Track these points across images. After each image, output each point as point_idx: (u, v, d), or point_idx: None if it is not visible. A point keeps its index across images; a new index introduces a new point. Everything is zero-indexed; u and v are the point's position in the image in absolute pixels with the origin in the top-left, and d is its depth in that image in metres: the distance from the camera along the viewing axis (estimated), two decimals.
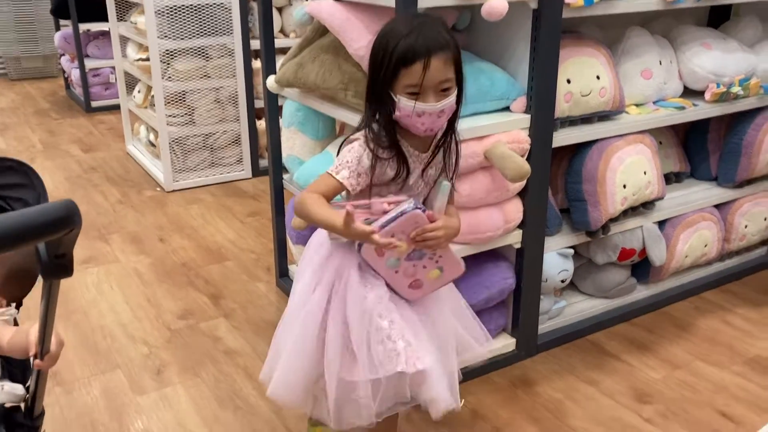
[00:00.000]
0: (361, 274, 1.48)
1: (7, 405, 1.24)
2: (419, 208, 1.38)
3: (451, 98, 1.39)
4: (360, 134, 1.47)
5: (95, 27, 5.38)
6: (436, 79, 1.35)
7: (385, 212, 1.41)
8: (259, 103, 3.91)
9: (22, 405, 1.25)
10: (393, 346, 1.40)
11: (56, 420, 1.96)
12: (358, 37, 1.93)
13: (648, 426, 1.92)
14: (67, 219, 0.69)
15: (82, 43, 5.32)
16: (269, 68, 2.41)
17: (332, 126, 2.40)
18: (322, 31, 2.28)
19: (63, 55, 5.83)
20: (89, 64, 5.37)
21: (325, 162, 2.20)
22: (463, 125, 1.87)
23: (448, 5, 1.79)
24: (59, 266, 0.75)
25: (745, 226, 2.64)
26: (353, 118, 2.01)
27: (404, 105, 1.37)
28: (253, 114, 3.88)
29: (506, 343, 2.18)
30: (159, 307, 2.55)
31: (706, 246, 2.53)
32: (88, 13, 5.14)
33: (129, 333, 2.39)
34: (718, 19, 2.75)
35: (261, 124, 3.95)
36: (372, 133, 1.44)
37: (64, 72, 5.92)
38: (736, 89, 2.38)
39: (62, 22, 5.78)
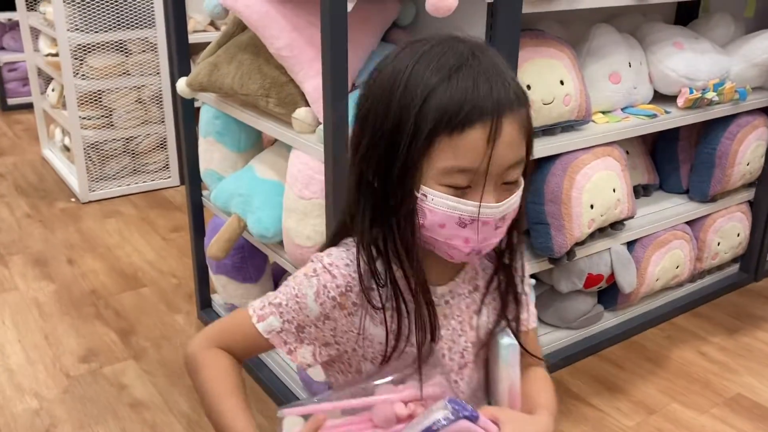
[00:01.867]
0: None
1: None
2: (466, 413, 0.75)
3: (518, 195, 0.80)
4: (336, 251, 0.85)
5: (14, 16, 4.89)
6: (505, 161, 0.76)
7: (401, 422, 0.79)
8: None
9: None
10: None
11: None
12: (280, 34, 1.61)
13: None
14: None
15: None
16: (181, 68, 2.06)
17: (257, 136, 2.07)
18: (243, 25, 1.95)
19: None
20: (4, 57, 4.89)
21: (247, 179, 1.88)
22: None
23: None
24: None
25: (718, 244, 2.41)
26: (278, 130, 1.69)
27: (439, 206, 0.77)
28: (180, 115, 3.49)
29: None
30: (58, 347, 2.18)
31: (678, 267, 2.29)
32: (2, 1, 4.67)
33: (17, 382, 2.01)
34: (686, 15, 2.51)
35: None
36: (365, 254, 0.82)
37: None
38: (710, 95, 2.14)
39: None
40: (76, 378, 2.04)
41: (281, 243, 1.79)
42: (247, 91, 1.73)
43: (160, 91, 3.41)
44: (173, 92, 3.38)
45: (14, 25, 5.00)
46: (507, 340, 0.88)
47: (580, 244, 1.95)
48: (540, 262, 1.95)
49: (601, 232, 2.02)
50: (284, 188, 1.81)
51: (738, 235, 2.46)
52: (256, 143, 2.06)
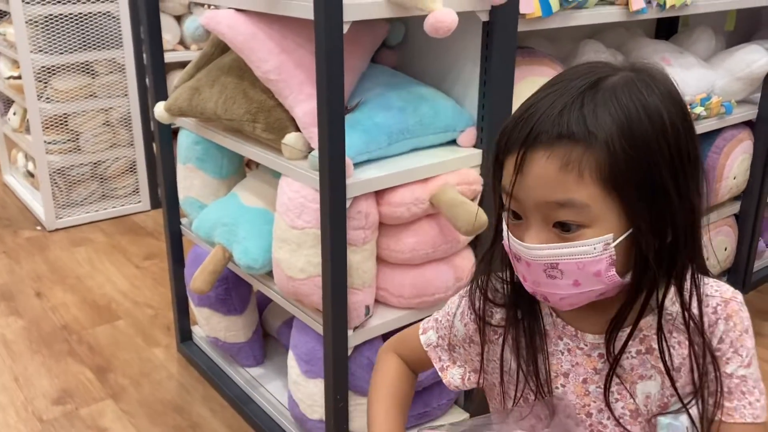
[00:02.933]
0: None
1: None
2: None
3: (583, 246, 0.70)
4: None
5: None
6: (537, 195, 0.70)
7: None
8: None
9: None
10: None
11: None
12: (268, 57, 1.53)
13: None
14: None
15: None
16: (159, 91, 1.97)
17: (240, 162, 1.99)
18: (223, 46, 1.87)
19: None
20: None
21: (232, 208, 1.79)
22: (403, 166, 1.51)
23: (377, 17, 1.42)
24: None
25: (707, 258, 2.39)
26: (266, 156, 1.61)
27: (504, 231, 0.76)
28: (150, 137, 3.38)
29: (458, 420, 1.82)
30: (29, 389, 2.05)
31: None
32: None
33: None
34: (666, 29, 2.51)
35: None
36: (482, 267, 0.83)
37: None
38: (698, 109, 2.12)
39: None
40: (50, 422, 1.91)
41: (269, 273, 1.71)
42: (231, 116, 1.65)
43: (129, 113, 3.29)
44: (142, 114, 3.29)
45: None
46: (665, 420, 0.76)
47: None
48: None
49: None
50: (272, 216, 1.73)
51: (725, 249, 2.45)
52: (239, 169, 1.98)
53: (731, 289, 0.80)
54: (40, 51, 3.01)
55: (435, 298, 1.62)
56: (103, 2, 3.09)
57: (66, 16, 3.01)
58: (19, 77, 3.10)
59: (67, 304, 2.54)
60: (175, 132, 2.01)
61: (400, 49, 1.75)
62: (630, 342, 0.76)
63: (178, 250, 2.13)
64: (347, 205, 1.42)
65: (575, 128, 0.68)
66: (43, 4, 2.95)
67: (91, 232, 3.19)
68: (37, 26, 2.98)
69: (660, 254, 0.72)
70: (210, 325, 2.02)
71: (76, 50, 3.08)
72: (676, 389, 0.76)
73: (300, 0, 1.36)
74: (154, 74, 1.96)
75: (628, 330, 0.76)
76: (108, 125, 3.28)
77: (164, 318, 2.42)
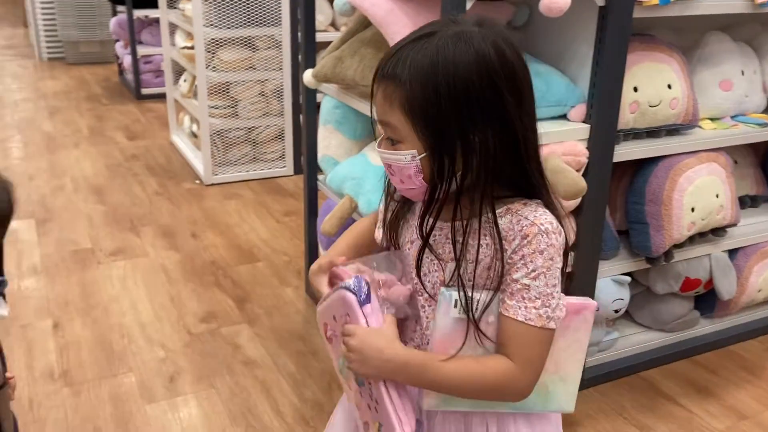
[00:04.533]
0: None
1: None
2: (354, 290, 0.93)
3: (398, 155, 0.91)
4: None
5: (149, 13, 5.34)
6: (378, 117, 0.94)
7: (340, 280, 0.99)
8: None
9: None
10: None
11: (59, 423, 1.84)
12: (402, 31, 1.74)
13: None
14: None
15: (137, 29, 5.29)
16: (308, 62, 2.25)
17: (371, 126, 2.22)
18: (365, 22, 2.11)
19: (118, 40, 5.82)
20: (141, 50, 5.33)
21: (360, 164, 2.04)
22: None
23: None
24: None
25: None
26: None
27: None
28: (299, 109, 3.73)
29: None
30: (182, 308, 2.43)
31: None
32: (143, 0, 5.10)
33: (147, 334, 2.26)
34: None
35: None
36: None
37: (117, 58, 5.92)
38: None
39: (119, 7, 5.77)
40: (197, 335, 2.27)
41: None
42: (367, 83, 1.89)
43: (282, 85, 3.65)
44: (293, 87, 3.64)
45: (151, 22, 5.45)
46: (448, 292, 0.94)
47: (679, 246, 1.98)
48: (637, 261, 2.00)
49: (701, 237, 2.04)
50: None
51: None
52: (370, 132, 2.22)
53: (549, 221, 0.92)
54: (211, 25, 3.42)
55: None
56: None
57: None
58: (192, 47, 3.54)
59: (217, 245, 2.92)
60: (319, 103, 2.29)
61: (524, 30, 1.91)
62: (441, 231, 0.96)
63: (314, 204, 2.41)
64: None
65: (392, 70, 0.90)
66: None
67: (241, 188, 3.59)
68: (210, 3, 3.39)
69: (451, 174, 0.89)
70: None
71: (240, 26, 3.47)
72: (460, 275, 0.93)
73: None
74: (306, 48, 2.25)
75: (448, 223, 0.95)
76: (262, 95, 3.66)
77: (296, 265, 2.73)
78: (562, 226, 0.94)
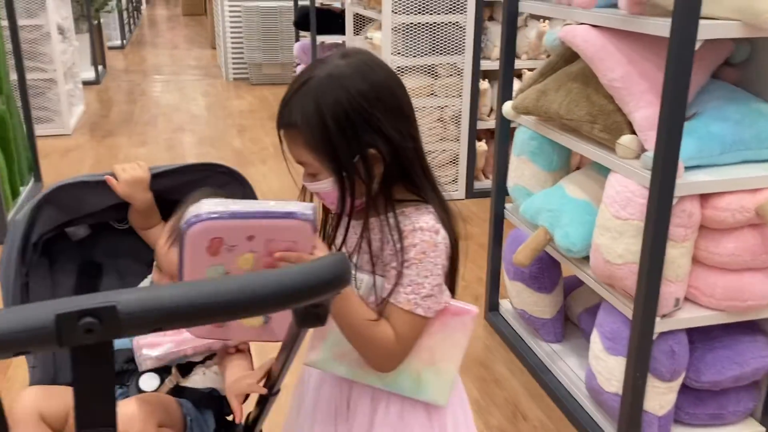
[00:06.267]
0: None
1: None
2: (312, 221, 0.91)
3: (321, 184, 1.05)
4: None
5: (330, 39, 5.65)
6: (294, 158, 1.06)
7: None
8: (481, 125, 3.83)
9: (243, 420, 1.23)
10: None
11: None
12: (614, 67, 1.75)
13: None
14: (342, 278, 0.62)
15: (318, 53, 5.62)
16: (505, 93, 2.30)
17: (567, 158, 2.23)
18: (567, 57, 2.13)
19: (299, 64, 6.21)
20: None
21: (557, 197, 2.05)
22: (732, 174, 1.63)
23: (727, 37, 1.56)
24: (313, 316, 0.68)
25: None
26: (598, 154, 1.84)
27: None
28: (474, 135, 3.80)
29: (752, 431, 1.86)
30: None
31: None
32: (326, 27, 5.42)
33: None
34: None
35: (480, 145, 3.87)
36: None
37: None
38: None
39: (302, 33, 6.16)
40: None
41: (584, 258, 1.93)
42: (572, 117, 1.90)
43: (460, 111, 3.73)
44: (471, 113, 3.71)
45: (331, 47, 5.77)
46: (359, 274, 1.08)
47: None
48: None
49: None
50: (593, 208, 1.95)
51: None
52: (565, 164, 2.22)
53: (425, 221, 1.05)
54: (398, 53, 3.58)
55: (747, 305, 1.70)
56: (453, 14, 3.56)
57: (422, 25, 3.54)
58: None
59: None
60: (512, 130, 2.33)
61: (743, 67, 1.84)
62: (357, 228, 1.08)
63: (499, 231, 2.45)
64: (673, 203, 1.58)
65: (288, 119, 1.02)
66: (407, 14, 3.51)
67: None
68: (398, 32, 3.54)
69: (353, 187, 1.03)
70: (520, 298, 2.30)
71: (425, 54, 3.59)
72: (372, 262, 1.07)
73: (656, 19, 1.56)
74: (504, 78, 2.30)
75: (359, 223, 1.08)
76: (440, 121, 3.76)
77: (473, 290, 2.78)
78: (447, 229, 1.08)
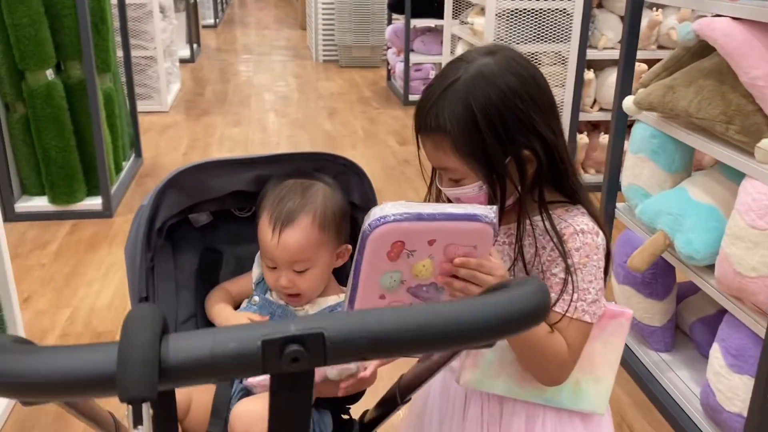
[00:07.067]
0: None
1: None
2: (495, 224, 0.85)
3: (467, 189, 1.00)
4: None
5: (423, 23, 5.57)
6: (435, 165, 1.03)
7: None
8: (584, 116, 3.68)
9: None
10: None
11: None
12: (759, 64, 1.62)
13: None
14: (548, 307, 0.57)
15: (411, 37, 5.55)
16: (625, 87, 2.18)
17: (689, 159, 2.10)
18: (695, 51, 1.99)
19: (389, 47, 6.16)
20: (413, 58, 5.58)
21: (678, 199, 1.93)
22: None
23: None
24: None
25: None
26: (731, 157, 1.71)
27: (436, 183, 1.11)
28: (575, 127, 3.66)
29: None
30: None
31: None
32: (422, 10, 5.34)
33: None
34: None
35: (581, 138, 3.72)
36: None
37: (388, 63, 6.26)
38: None
39: (394, 16, 6.10)
40: None
41: (707, 267, 1.81)
42: (704, 116, 1.78)
43: (562, 102, 3.60)
44: (574, 104, 3.57)
45: (424, 31, 5.70)
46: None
47: None
48: None
49: None
50: (719, 213, 1.82)
51: None
52: (687, 165, 2.09)
53: (585, 222, 1.00)
54: (501, 40, 3.47)
55: None
56: (561, 0, 3.42)
57: (528, 11, 3.42)
58: None
59: None
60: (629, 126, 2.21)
61: None
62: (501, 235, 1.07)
63: (609, 232, 2.33)
64: None
65: (433, 123, 0.97)
66: (512, 0, 3.39)
67: None
68: (501, 18, 3.44)
69: (504, 192, 0.99)
70: (629, 304, 2.19)
71: (529, 41, 3.48)
72: (526, 270, 1.02)
73: None
74: (624, 71, 2.17)
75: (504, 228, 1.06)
76: None
77: None
78: (602, 229, 1.01)
